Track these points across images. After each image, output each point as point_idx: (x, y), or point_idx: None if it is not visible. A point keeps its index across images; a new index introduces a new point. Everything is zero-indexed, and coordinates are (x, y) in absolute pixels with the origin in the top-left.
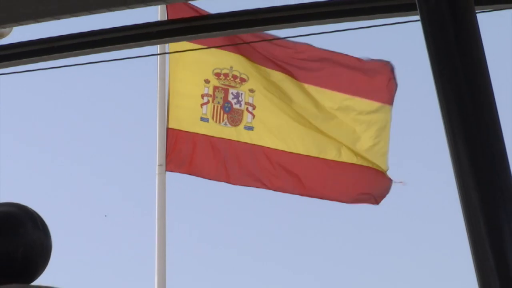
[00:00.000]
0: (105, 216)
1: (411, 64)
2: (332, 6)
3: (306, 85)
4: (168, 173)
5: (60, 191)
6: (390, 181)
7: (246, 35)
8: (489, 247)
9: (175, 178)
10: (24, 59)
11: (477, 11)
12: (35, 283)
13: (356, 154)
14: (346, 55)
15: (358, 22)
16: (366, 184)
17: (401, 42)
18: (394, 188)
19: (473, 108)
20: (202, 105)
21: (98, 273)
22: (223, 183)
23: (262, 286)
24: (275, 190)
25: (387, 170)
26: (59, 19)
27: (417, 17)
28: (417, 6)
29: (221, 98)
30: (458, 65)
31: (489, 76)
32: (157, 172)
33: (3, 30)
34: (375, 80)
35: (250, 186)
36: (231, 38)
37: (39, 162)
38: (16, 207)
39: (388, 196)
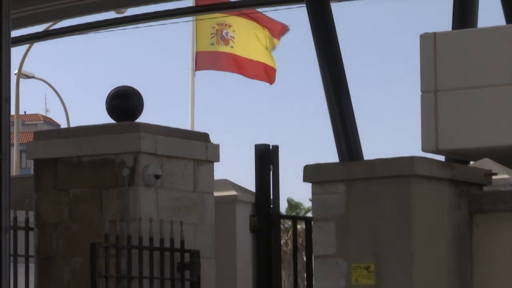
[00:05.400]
0: None
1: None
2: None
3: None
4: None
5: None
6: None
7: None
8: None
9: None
10: (129, 22)
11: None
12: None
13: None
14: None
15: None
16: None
17: None
18: None
19: (332, 63)
20: (211, 38)
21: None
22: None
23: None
24: (245, 75)
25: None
26: (148, 4)
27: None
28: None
29: (220, 33)
30: (324, 36)
31: (339, 47)
32: (190, 72)
33: (123, 9)
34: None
35: (232, 72)
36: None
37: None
38: (128, 87)
39: None
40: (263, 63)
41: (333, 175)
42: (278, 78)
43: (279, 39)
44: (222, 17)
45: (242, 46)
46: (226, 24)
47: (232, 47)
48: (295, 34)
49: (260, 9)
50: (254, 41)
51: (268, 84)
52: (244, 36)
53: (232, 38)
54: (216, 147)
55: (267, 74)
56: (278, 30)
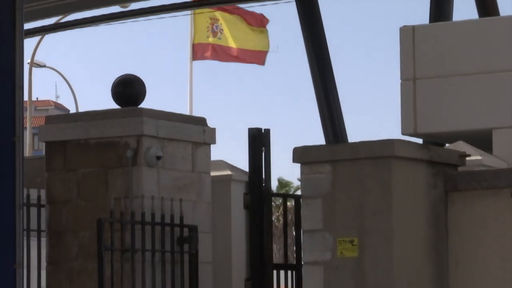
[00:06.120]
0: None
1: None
2: None
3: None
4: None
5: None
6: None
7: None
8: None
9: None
10: (133, 16)
11: None
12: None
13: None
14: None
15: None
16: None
17: None
18: None
19: (319, 56)
20: (207, 31)
21: None
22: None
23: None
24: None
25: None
26: None
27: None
28: None
29: (211, 27)
30: (311, 30)
31: (326, 40)
32: (188, 62)
33: (127, 3)
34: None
35: (223, 61)
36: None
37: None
38: (132, 75)
39: None
40: (250, 50)
41: (320, 156)
42: (271, 65)
43: (265, 27)
44: (209, 12)
45: (228, 37)
46: (215, 19)
47: (219, 38)
48: (286, 22)
49: (250, 3)
50: (240, 32)
51: (259, 66)
52: (230, 28)
53: (221, 31)
54: (213, 130)
55: (255, 57)
56: (260, 21)
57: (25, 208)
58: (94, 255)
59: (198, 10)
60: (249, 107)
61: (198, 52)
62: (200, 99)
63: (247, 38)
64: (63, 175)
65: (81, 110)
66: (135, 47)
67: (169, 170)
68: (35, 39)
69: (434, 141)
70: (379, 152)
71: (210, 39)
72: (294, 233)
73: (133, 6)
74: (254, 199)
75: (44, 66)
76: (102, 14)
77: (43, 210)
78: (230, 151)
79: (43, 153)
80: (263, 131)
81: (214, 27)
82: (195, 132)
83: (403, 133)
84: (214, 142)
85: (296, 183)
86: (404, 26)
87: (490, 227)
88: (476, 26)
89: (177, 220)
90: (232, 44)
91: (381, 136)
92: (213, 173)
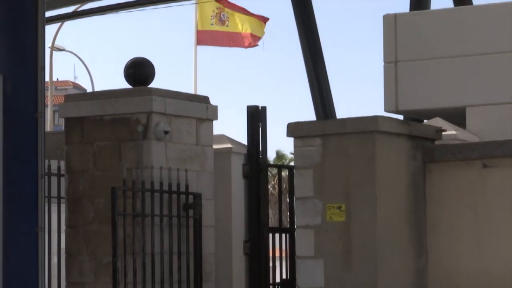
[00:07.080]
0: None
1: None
2: None
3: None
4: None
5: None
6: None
7: None
8: None
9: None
10: (144, 5)
11: None
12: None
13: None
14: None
15: None
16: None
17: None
18: None
19: (310, 41)
20: (211, 19)
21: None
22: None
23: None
24: (240, 46)
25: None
26: None
27: None
28: None
29: (219, 15)
30: (304, 18)
31: (317, 28)
32: (193, 46)
33: None
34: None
35: (229, 46)
36: None
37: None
38: (142, 58)
39: None
40: (250, 32)
41: (311, 131)
42: (268, 49)
43: (264, 22)
44: (213, 2)
45: (234, 24)
46: (222, 8)
47: (227, 25)
48: (281, 9)
49: None
50: (241, 20)
51: (256, 48)
52: (234, 16)
53: (227, 19)
54: (215, 108)
55: (254, 39)
56: (261, 17)
57: (46, 177)
58: (109, 220)
59: (201, 0)
60: (248, 87)
61: (201, 38)
62: (204, 80)
63: (246, 24)
64: (81, 147)
65: (97, 89)
66: (146, 33)
67: (175, 143)
68: (56, 25)
69: (414, 117)
70: (364, 127)
71: (215, 27)
72: (288, 200)
73: None
74: (252, 169)
75: (64, 50)
76: (117, 3)
77: (62, 179)
78: (231, 126)
79: (63, 128)
80: (260, 108)
81: (221, 15)
82: (199, 109)
83: (386, 110)
84: (216, 118)
85: (290, 156)
86: (387, 14)
87: (463, 195)
88: (452, 14)
89: (182, 188)
90: (237, 29)
91: (366, 112)
92: (215, 146)
